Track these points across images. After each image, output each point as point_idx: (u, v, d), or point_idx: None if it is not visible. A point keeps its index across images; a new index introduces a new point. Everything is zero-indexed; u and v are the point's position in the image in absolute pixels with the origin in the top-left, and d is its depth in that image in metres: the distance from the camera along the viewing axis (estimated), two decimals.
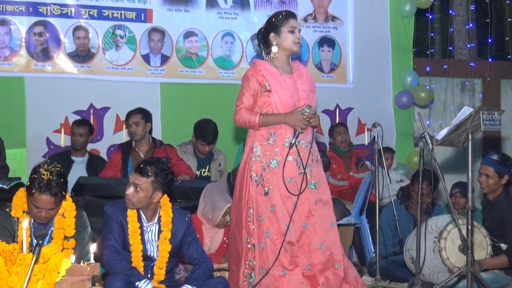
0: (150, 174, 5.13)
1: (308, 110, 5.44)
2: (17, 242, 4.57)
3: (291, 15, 5.75)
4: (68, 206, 4.99)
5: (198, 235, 6.06)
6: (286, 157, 5.52)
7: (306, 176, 5.56)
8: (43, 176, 4.74)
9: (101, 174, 7.73)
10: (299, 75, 5.74)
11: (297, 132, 5.48)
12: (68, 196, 5.03)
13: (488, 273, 6.25)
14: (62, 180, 4.84)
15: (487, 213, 6.74)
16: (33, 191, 4.74)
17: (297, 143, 5.54)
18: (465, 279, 5.63)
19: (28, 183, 4.82)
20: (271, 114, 5.58)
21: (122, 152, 7.80)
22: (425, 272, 6.29)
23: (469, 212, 5.65)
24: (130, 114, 7.85)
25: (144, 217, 5.27)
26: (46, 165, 4.83)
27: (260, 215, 5.54)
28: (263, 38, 5.74)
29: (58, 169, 4.86)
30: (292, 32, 5.65)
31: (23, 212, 4.88)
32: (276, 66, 5.66)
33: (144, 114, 7.84)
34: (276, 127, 5.56)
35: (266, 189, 5.53)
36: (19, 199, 4.93)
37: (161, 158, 7.16)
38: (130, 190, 5.14)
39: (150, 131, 7.95)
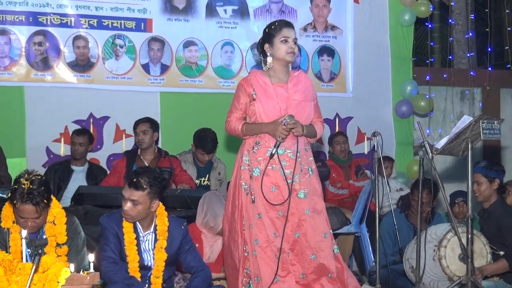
0: (145, 186, 5.11)
1: (289, 120, 5.47)
2: (9, 253, 4.57)
3: (284, 24, 5.76)
4: (57, 213, 4.98)
5: (197, 244, 6.09)
6: (266, 166, 5.56)
7: (289, 185, 5.56)
8: (23, 186, 4.73)
9: (104, 181, 7.76)
10: (294, 84, 5.75)
11: (278, 142, 5.52)
12: (56, 202, 5.02)
13: (488, 281, 6.26)
14: (43, 188, 4.81)
15: (483, 222, 6.75)
16: (15, 202, 4.74)
17: (281, 152, 5.58)
18: None
19: (10, 194, 4.82)
20: (254, 123, 5.66)
21: (127, 160, 7.83)
22: (425, 281, 6.29)
23: (469, 221, 5.65)
24: (138, 123, 7.91)
25: (140, 227, 5.28)
26: (26, 175, 4.83)
27: (250, 223, 5.58)
28: (261, 48, 5.78)
29: (39, 177, 4.85)
30: (285, 42, 5.67)
31: (13, 222, 4.87)
32: (270, 76, 5.70)
33: (152, 123, 7.91)
34: (261, 136, 5.61)
35: (253, 197, 5.58)
36: (8, 210, 4.92)
37: (162, 167, 7.22)
38: (128, 205, 5.12)
39: (157, 141, 7.99)
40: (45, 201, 4.80)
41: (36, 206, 4.74)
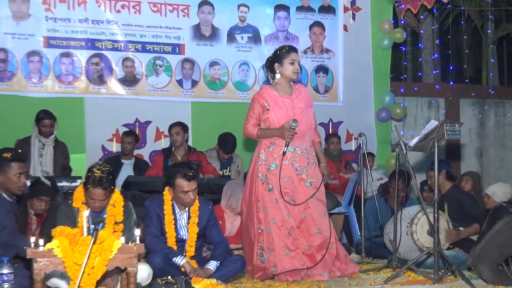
0: (195, 175, 5.24)
1: (294, 124, 5.53)
2: (77, 227, 4.58)
3: (292, 49, 5.79)
4: (117, 198, 4.99)
5: (220, 222, 6.11)
6: (281, 162, 5.63)
7: (280, 175, 5.64)
8: (95, 174, 4.75)
9: (147, 173, 7.79)
10: (297, 95, 5.82)
11: (287, 142, 5.56)
12: (116, 189, 5.03)
13: (450, 251, 6.24)
14: (111, 177, 4.84)
15: (443, 204, 6.75)
16: (88, 186, 4.76)
17: (292, 150, 5.64)
18: (433, 256, 5.62)
19: (84, 180, 4.84)
20: (266, 129, 5.74)
21: (164, 155, 7.86)
22: (400, 251, 6.28)
23: (435, 204, 5.64)
24: (172, 126, 7.92)
25: (177, 208, 5.29)
26: (98, 166, 4.85)
27: (266, 206, 5.64)
28: (270, 66, 5.81)
29: (108, 168, 4.86)
30: (292, 63, 5.70)
31: (82, 203, 4.88)
32: (278, 89, 5.77)
33: (183, 126, 7.94)
34: (275, 138, 5.69)
35: (270, 186, 5.65)
36: (79, 193, 4.93)
37: (191, 160, 7.23)
38: (192, 195, 5.21)
39: (187, 140, 8.00)
40: (111, 187, 4.84)
41: (105, 190, 4.77)
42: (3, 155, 4.87)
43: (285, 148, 5.63)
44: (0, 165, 4.84)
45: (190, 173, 5.16)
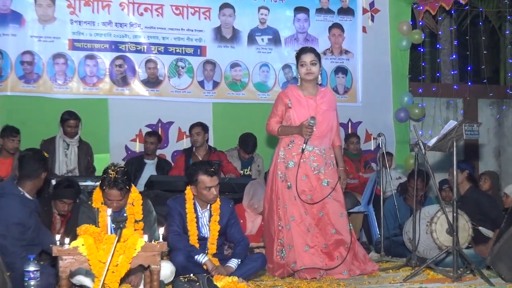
0: (217, 171, 5.26)
1: (312, 122, 5.54)
2: (98, 227, 4.59)
3: (302, 51, 5.84)
4: (135, 196, 4.99)
5: (242, 220, 6.11)
6: (300, 159, 5.63)
7: (299, 173, 5.65)
8: (110, 176, 4.74)
9: (170, 173, 7.81)
10: (321, 97, 5.82)
11: (306, 140, 5.57)
12: (134, 188, 5.03)
13: (470, 250, 6.19)
14: (126, 177, 4.82)
15: (461, 204, 6.69)
16: (104, 187, 4.76)
17: (310, 149, 5.67)
18: (452, 255, 5.57)
19: (100, 182, 4.84)
20: (287, 126, 5.77)
21: (185, 156, 7.87)
22: (419, 250, 6.23)
23: (455, 203, 5.59)
24: (193, 126, 7.94)
25: (199, 206, 5.29)
26: (113, 167, 4.83)
27: (285, 203, 5.68)
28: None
29: (122, 168, 4.86)
30: (303, 65, 5.71)
31: (101, 203, 4.89)
32: (302, 90, 5.75)
33: (204, 127, 7.95)
34: (295, 136, 5.73)
35: (289, 183, 5.66)
36: (97, 194, 4.94)
37: (211, 160, 7.24)
38: (216, 191, 5.21)
39: (207, 140, 8.00)
40: (127, 187, 4.83)
41: (120, 191, 4.76)
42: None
43: (304, 145, 5.63)
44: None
45: (212, 169, 5.18)
